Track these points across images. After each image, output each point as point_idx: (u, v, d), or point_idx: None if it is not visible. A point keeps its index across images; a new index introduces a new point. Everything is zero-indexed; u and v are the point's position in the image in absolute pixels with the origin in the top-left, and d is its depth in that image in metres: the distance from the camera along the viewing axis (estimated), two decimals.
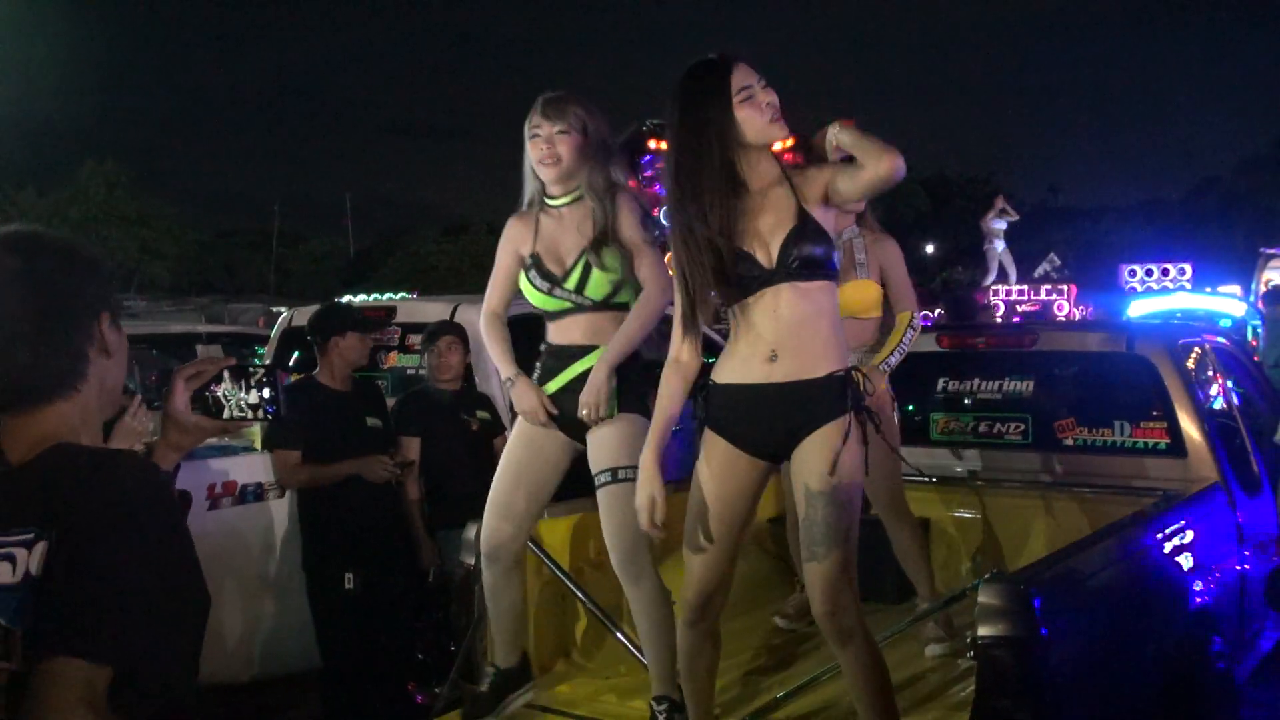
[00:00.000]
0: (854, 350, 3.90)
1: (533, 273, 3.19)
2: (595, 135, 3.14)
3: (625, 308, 3.17)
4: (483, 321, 3.33)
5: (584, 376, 3.13)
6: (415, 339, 5.40)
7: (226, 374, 1.68)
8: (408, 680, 4.07)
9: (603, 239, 3.10)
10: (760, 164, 2.81)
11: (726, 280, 2.70)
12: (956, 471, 4.58)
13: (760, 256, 2.73)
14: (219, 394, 1.67)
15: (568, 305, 3.16)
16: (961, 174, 39.99)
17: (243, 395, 1.67)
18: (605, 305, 3.15)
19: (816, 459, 2.68)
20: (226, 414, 1.67)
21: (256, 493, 4.37)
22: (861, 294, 3.96)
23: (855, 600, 2.71)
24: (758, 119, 2.74)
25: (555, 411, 3.19)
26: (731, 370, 2.77)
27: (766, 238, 2.74)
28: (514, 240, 3.27)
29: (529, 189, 3.25)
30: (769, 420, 2.74)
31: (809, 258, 2.72)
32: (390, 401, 4.96)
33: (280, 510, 4.47)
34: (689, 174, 2.73)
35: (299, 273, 35.58)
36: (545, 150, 3.12)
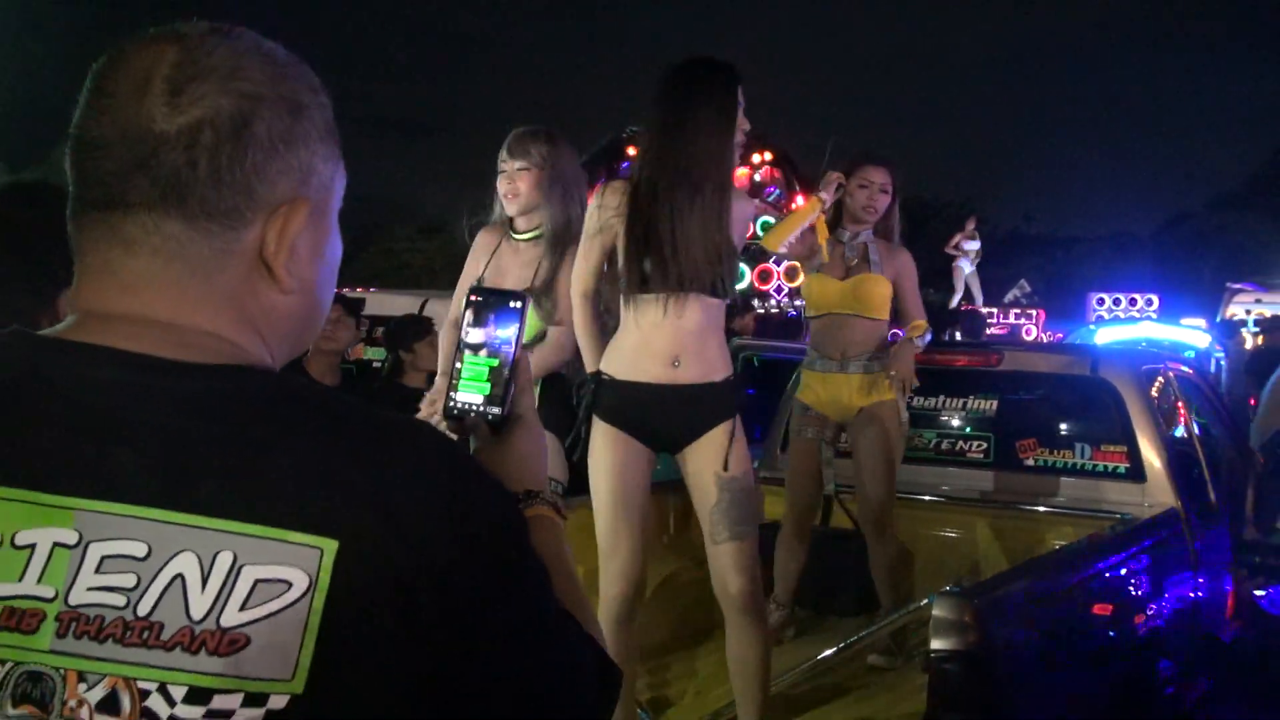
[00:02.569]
0: (863, 354, 3.97)
1: None
2: (556, 171, 3.26)
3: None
4: (444, 328, 3.51)
5: None
6: (382, 331, 5.38)
7: None
8: None
9: (544, 288, 3.24)
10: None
11: (664, 274, 2.82)
12: (918, 488, 4.59)
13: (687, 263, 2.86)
14: None
15: None
16: (939, 197, 40.33)
17: None
18: (529, 346, 3.26)
19: (715, 454, 2.90)
20: None
21: None
22: (875, 288, 4.02)
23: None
24: (740, 136, 2.84)
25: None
26: (632, 368, 2.91)
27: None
28: (481, 250, 3.43)
29: (498, 209, 3.39)
30: (670, 418, 2.92)
31: (728, 277, 2.89)
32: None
33: None
34: (699, 159, 2.81)
35: None
36: (506, 186, 3.29)
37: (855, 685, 3.63)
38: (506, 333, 1.15)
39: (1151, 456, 4.19)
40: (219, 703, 0.75)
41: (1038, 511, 4.26)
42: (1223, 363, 9.63)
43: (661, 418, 2.92)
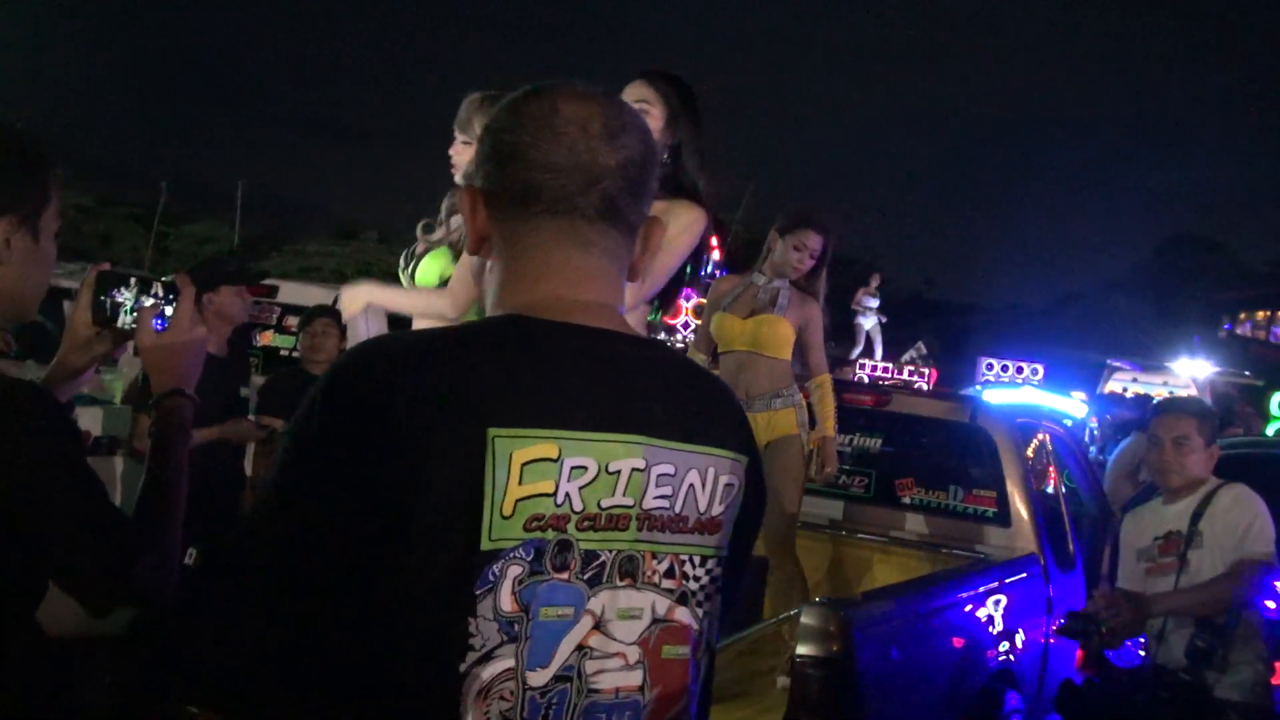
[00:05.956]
0: (766, 393, 4.10)
1: (406, 252, 3.33)
2: None
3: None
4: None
5: None
6: (293, 320, 5.41)
7: (133, 280, 1.64)
8: None
9: (453, 245, 3.19)
10: None
11: None
12: (803, 517, 4.78)
13: None
14: (118, 299, 1.62)
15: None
16: (847, 254, 41.31)
17: (142, 303, 1.62)
18: None
19: None
20: (120, 321, 1.62)
21: (110, 447, 4.28)
22: (773, 329, 4.10)
23: None
24: None
25: None
26: None
27: None
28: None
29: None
30: None
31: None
32: (260, 380, 4.94)
33: (133, 470, 4.38)
34: None
35: (178, 253, 34.41)
36: (456, 160, 3.21)
37: (720, 694, 3.77)
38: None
39: (1018, 504, 4.45)
40: (710, 565, 1.18)
41: (911, 546, 4.48)
42: (1095, 432, 10.17)
43: None
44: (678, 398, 1.18)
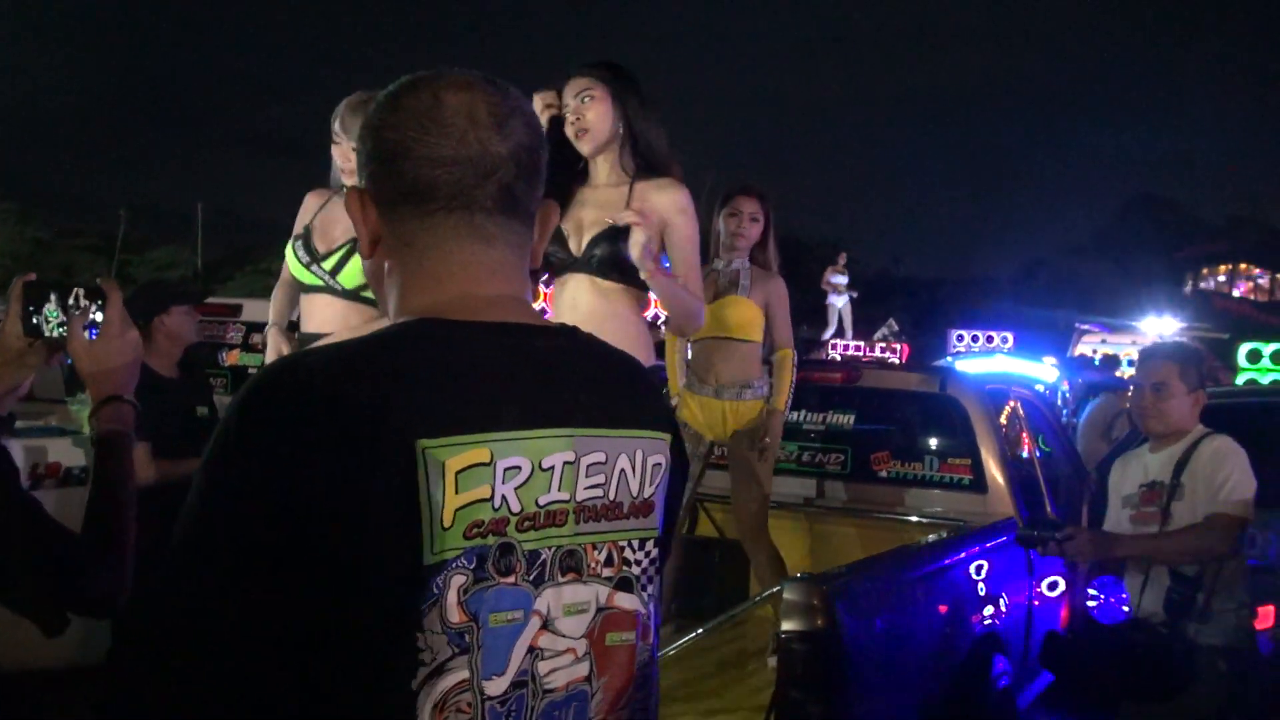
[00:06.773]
0: (735, 381, 4.14)
1: (299, 244, 3.28)
2: None
3: (373, 304, 3.12)
4: (276, 287, 3.51)
5: None
6: (259, 338, 5.39)
7: (54, 296, 1.61)
8: None
9: None
10: (598, 164, 3.08)
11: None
12: (780, 497, 4.81)
13: (571, 244, 2.95)
14: (44, 314, 1.59)
15: (320, 284, 3.22)
16: (813, 237, 41.54)
17: (71, 313, 1.60)
18: (354, 296, 3.18)
19: None
20: (49, 331, 1.60)
21: (81, 477, 4.25)
22: (737, 310, 4.14)
23: None
24: (569, 130, 3.02)
25: None
26: None
27: (583, 230, 2.97)
28: (305, 211, 3.39)
29: (335, 177, 3.37)
30: None
31: (610, 257, 2.92)
32: (228, 400, 4.92)
33: None
34: None
35: (142, 280, 34.16)
36: (342, 164, 3.26)
37: (713, 676, 3.80)
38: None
39: (993, 470, 4.49)
40: (648, 547, 1.18)
41: (890, 519, 4.51)
42: (1067, 395, 10.29)
43: None
44: (599, 384, 1.17)
